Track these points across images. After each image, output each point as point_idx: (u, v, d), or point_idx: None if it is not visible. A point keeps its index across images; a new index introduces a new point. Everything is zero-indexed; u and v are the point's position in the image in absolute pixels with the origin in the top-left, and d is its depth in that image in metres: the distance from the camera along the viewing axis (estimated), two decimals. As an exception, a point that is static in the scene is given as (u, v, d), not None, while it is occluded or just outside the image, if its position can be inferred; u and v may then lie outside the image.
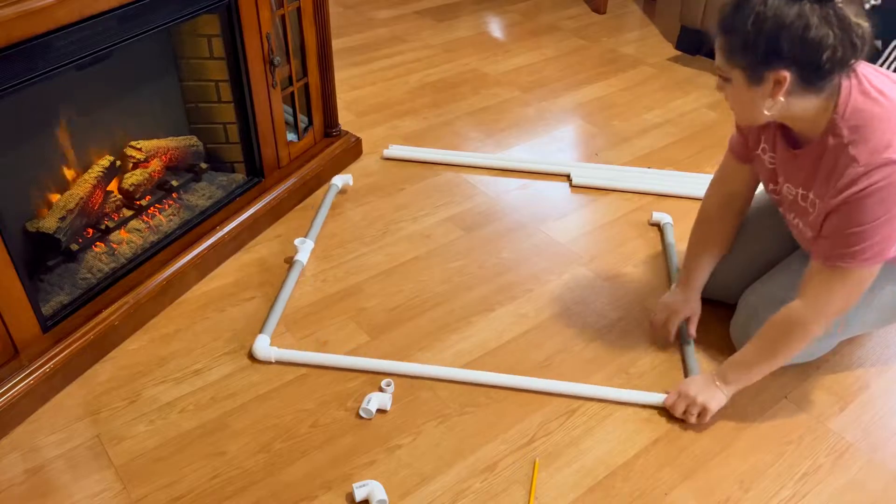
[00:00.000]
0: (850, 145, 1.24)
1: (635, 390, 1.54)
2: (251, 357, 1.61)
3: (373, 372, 1.58)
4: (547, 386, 1.54)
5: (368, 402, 1.47)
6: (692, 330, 1.64)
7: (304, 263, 1.86)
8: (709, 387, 1.46)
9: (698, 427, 1.47)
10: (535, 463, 1.40)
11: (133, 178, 1.81)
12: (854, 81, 1.25)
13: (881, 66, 2.09)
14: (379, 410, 1.49)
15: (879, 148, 1.21)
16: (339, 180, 2.13)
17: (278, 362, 1.60)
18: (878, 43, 2.17)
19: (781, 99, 1.24)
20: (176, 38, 1.84)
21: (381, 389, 1.52)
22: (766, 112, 1.26)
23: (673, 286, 1.71)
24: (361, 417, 1.47)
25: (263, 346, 1.61)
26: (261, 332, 1.65)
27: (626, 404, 1.52)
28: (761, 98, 1.25)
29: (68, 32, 1.37)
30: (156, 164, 1.86)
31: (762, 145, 1.46)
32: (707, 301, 1.69)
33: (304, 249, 1.88)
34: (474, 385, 1.55)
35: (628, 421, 1.49)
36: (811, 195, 1.35)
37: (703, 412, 1.45)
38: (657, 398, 1.51)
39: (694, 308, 1.64)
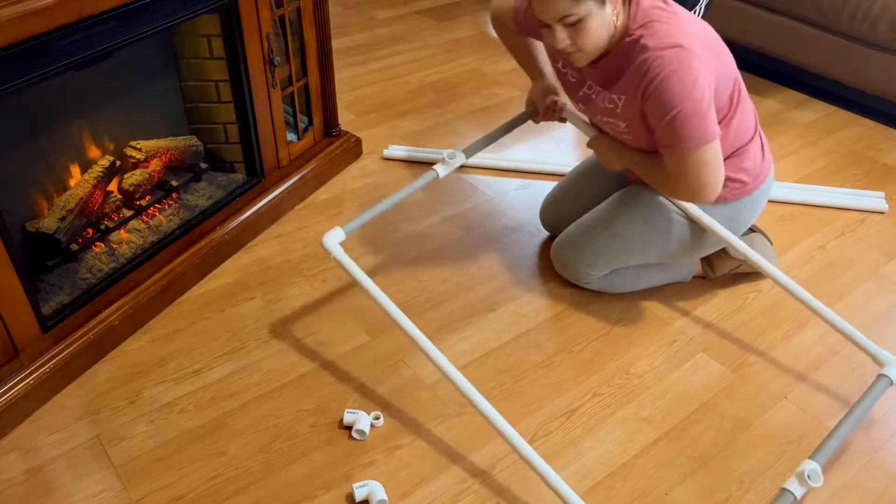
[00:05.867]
0: (642, 38, 1.40)
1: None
2: (321, 243, 1.60)
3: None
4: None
5: (358, 423, 1.45)
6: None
7: (441, 175, 1.72)
8: (614, 151, 1.65)
9: (699, 426, 1.48)
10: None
11: (133, 178, 1.81)
12: None
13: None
14: (358, 431, 1.45)
15: (666, 37, 1.38)
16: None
17: (335, 259, 1.57)
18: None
19: (619, 7, 1.41)
20: (176, 38, 1.84)
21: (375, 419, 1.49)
22: (615, 27, 1.42)
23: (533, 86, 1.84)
24: (354, 438, 1.45)
25: (334, 239, 1.58)
26: (343, 225, 1.62)
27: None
28: (611, 14, 1.39)
29: (68, 32, 1.37)
30: (156, 164, 1.86)
31: (561, 67, 1.65)
32: (698, 283, 1.68)
33: (453, 163, 1.72)
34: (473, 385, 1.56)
35: (628, 421, 1.49)
36: (614, 95, 1.50)
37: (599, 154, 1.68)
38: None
39: (555, 86, 1.81)
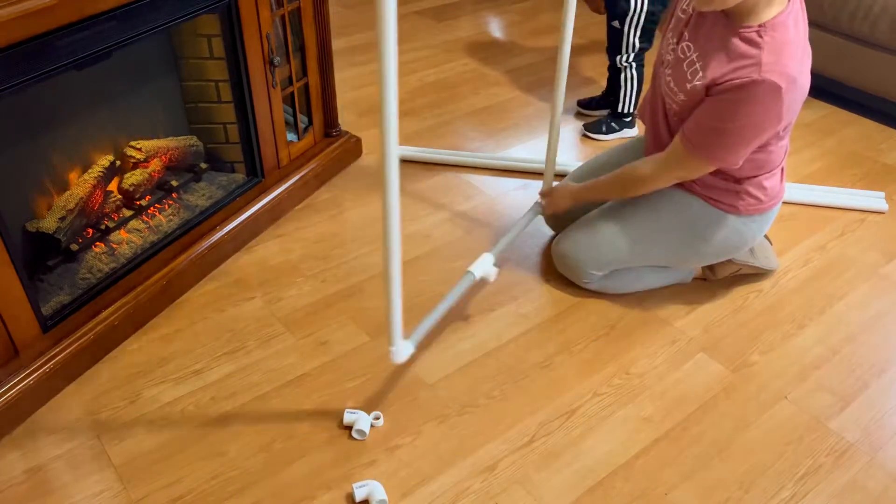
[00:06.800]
0: (763, 49, 1.38)
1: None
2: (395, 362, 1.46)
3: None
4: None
5: (358, 423, 1.46)
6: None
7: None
8: (563, 194, 1.81)
9: (699, 426, 1.48)
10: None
11: (133, 178, 1.81)
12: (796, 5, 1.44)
13: (624, 51, 2.36)
14: (358, 431, 1.45)
15: (780, 62, 1.37)
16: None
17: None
18: (615, 23, 2.33)
19: None
20: (176, 38, 1.84)
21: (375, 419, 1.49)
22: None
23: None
24: (354, 438, 1.46)
25: (405, 352, 1.42)
26: (408, 338, 1.43)
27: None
28: None
29: (68, 32, 1.37)
30: (156, 164, 1.86)
31: (683, 6, 1.59)
32: (699, 291, 1.69)
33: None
34: (473, 385, 1.56)
35: (628, 421, 1.49)
36: (700, 64, 1.47)
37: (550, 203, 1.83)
38: None
39: None
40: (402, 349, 1.40)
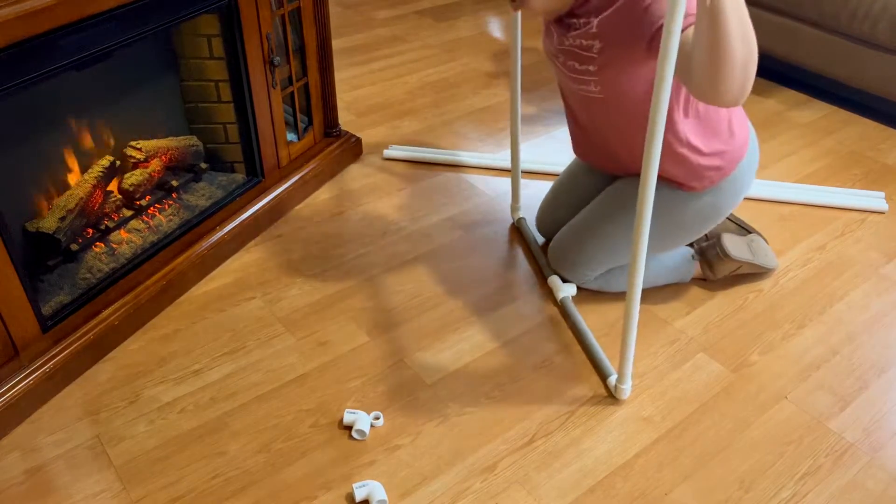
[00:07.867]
0: None
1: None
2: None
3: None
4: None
5: (358, 423, 1.45)
6: None
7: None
8: None
9: (699, 426, 1.48)
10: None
11: (133, 178, 1.81)
12: None
13: None
14: (358, 431, 1.45)
15: None
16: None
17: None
18: None
19: None
20: (176, 38, 1.84)
21: (375, 419, 1.49)
22: None
23: None
24: (354, 438, 1.46)
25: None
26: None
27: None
28: None
29: (68, 32, 1.37)
30: (156, 164, 1.86)
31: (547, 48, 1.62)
32: (705, 295, 1.68)
33: None
34: (473, 385, 1.56)
35: (628, 421, 1.49)
36: (596, 21, 1.44)
37: None
38: None
39: None
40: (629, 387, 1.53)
